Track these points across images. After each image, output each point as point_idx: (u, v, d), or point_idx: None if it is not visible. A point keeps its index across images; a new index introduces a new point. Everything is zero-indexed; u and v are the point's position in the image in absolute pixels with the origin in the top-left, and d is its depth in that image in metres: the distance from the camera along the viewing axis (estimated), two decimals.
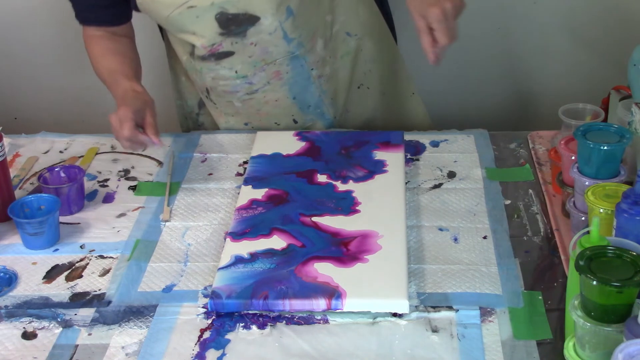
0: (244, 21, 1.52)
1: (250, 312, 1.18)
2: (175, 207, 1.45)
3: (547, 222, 1.37)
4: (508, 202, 1.43)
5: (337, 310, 1.17)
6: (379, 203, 1.38)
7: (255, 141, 1.61)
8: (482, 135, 1.63)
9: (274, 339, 1.14)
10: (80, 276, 1.29)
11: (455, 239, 1.33)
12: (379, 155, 1.53)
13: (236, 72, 1.59)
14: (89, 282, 1.27)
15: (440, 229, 1.36)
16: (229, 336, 1.15)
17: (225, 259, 1.26)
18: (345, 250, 1.27)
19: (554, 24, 2.18)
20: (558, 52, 2.22)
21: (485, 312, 1.17)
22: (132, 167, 1.58)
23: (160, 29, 1.71)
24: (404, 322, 1.16)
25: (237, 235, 1.32)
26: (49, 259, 1.33)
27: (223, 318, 1.18)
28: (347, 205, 1.38)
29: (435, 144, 1.61)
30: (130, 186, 1.52)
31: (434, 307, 1.18)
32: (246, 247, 1.29)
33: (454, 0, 1.32)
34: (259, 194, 1.43)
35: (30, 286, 1.27)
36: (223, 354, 1.12)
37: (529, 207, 1.41)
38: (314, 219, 1.35)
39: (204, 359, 1.11)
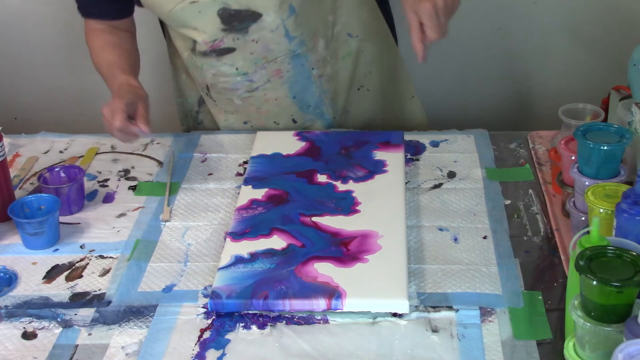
0: (246, 17, 1.52)
1: (250, 312, 1.18)
2: (175, 207, 1.45)
3: (547, 222, 1.37)
4: (508, 202, 1.43)
5: (337, 310, 1.17)
6: (379, 203, 1.38)
7: (255, 141, 1.61)
8: (482, 135, 1.63)
9: (274, 339, 1.14)
10: (80, 276, 1.29)
11: (455, 239, 1.33)
12: (379, 155, 1.53)
13: (237, 69, 1.59)
14: (89, 282, 1.27)
15: (440, 229, 1.36)
16: (229, 336, 1.15)
17: (225, 259, 1.26)
18: (345, 250, 1.27)
19: (554, 24, 2.18)
20: (558, 52, 2.22)
21: (485, 312, 1.17)
22: (132, 167, 1.58)
23: (162, 26, 1.72)
24: (404, 322, 1.16)
25: (237, 235, 1.32)
26: (49, 259, 1.33)
27: (223, 318, 1.18)
28: (347, 205, 1.38)
29: (435, 144, 1.61)
30: (130, 186, 1.52)
31: (434, 307, 1.18)
32: (246, 247, 1.29)
33: None
34: (259, 194, 1.43)
35: (30, 286, 1.27)
36: (223, 354, 1.12)
37: (529, 207, 1.41)
38: (314, 219, 1.35)
39: (204, 359, 1.11)
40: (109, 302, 1.23)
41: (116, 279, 1.27)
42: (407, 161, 1.55)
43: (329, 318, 1.17)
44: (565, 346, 1.00)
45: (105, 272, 1.29)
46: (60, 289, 1.26)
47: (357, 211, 1.37)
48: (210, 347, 1.13)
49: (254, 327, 1.16)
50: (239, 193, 1.45)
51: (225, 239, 1.33)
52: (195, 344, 1.14)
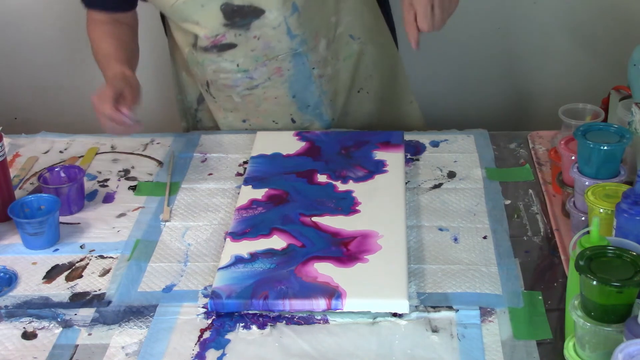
0: (249, 13, 1.52)
1: (250, 312, 1.18)
2: (175, 207, 1.45)
3: (547, 222, 1.37)
4: (508, 202, 1.43)
5: (337, 310, 1.17)
6: (379, 203, 1.38)
7: (255, 141, 1.61)
8: (482, 135, 1.63)
9: (274, 339, 1.14)
10: (80, 276, 1.29)
11: (455, 239, 1.33)
12: (379, 155, 1.53)
13: (238, 65, 1.59)
14: (89, 282, 1.27)
15: (440, 229, 1.36)
16: (229, 336, 1.15)
17: (225, 259, 1.26)
18: (345, 250, 1.27)
19: (554, 24, 2.18)
20: (558, 52, 2.22)
21: (485, 312, 1.17)
22: (132, 167, 1.58)
23: (163, 22, 1.72)
24: (404, 322, 1.16)
25: (237, 235, 1.32)
26: (49, 259, 1.33)
27: (223, 318, 1.18)
28: (347, 205, 1.38)
29: (435, 144, 1.61)
30: (130, 186, 1.52)
31: (434, 307, 1.18)
32: (246, 247, 1.29)
33: None
34: (259, 194, 1.43)
35: (30, 286, 1.27)
36: (223, 354, 1.12)
37: (529, 207, 1.41)
38: (314, 219, 1.35)
39: (204, 359, 1.11)
40: (109, 302, 1.23)
41: (116, 279, 1.27)
42: (407, 161, 1.55)
43: (329, 318, 1.17)
44: (565, 346, 1.00)
45: (105, 272, 1.29)
46: (60, 289, 1.26)
47: (357, 211, 1.37)
48: (210, 347, 1.13)
49: (254, 327, 1.16)
50: (239, 193, 1.45)
51: (225, 239, 1.33)
52: (195, 344, 1.14)
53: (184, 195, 1.48)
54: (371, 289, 1.19)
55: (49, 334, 1.17)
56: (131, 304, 1.22)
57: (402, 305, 1.16)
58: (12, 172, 1.54)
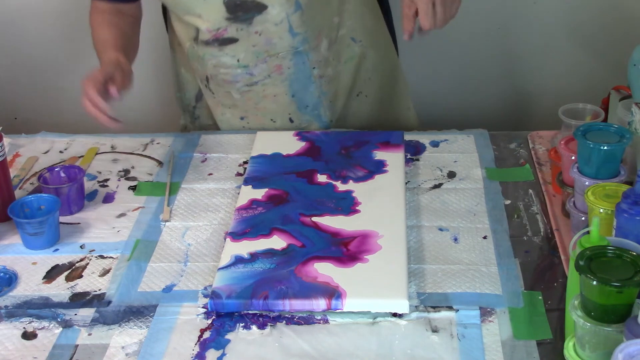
0: (252, 8, 1.52)
1: (250, 312, 1.18)
2: (175, 207, 1.45)
3: (547, 222, 1.37)
4: (508, 202, 1.43)
5: (337, 310, 1.17)
6: (379, 203, 1.38)
7: (255, 141, 1.61)
8: (482, 135, 1.63)
9: (274, 339, 1.14)
10: (80, 276, 1.29)
11: (455, 239, 1.33)
12: (379, 155, 1.53)
13: (238, 60, 1.59)
14: (89, 282, 1.27)
15: (440, 229, 1.36)
16: (229, 336, 1.15)
17: (225, 259, 1.26)
18: (345, 250, 1.27)
19: (554, 24, 2.19)
20: (558, 52, 2.22)
21: (485, 312, 1.17)
22: (132, 167, 1.58)
23: (165, 18, 1.71)
24: (404, 322, 1.16)
25: (237, 235, 1.32)
26: (49, 259, 1.33)
27: (223, 318, 1.18)
28: (347, 205, 1.38)
29: (435, 144, 1.61)
30: (130, 186, 1.52)
31: (434, 307, 1.18)
32: (246, 247, 1.29)
33: None
34: (259, 194, 1.43)
35: (30, 286, 1.27)
36: (223, 354, 1.12)
37: (529, 207, 1.41)
38: (314, 219, 1.35)
39: (204, 359, 1.11)
40: (109, 302, 1.23)
41: (116, 279, 1.27)
42: (407, 161, 1.55)
43: (329, 318, 1.17)
44: (565, 346, 1.00)
45: (105, 272, 1.29)
46: (60, 289, 1.26)
47: (357, 211, 1.37)
48: (210, 347, 1.13)
49: (254, 327, 1.16)
50: (239, 193, 1.45)
51: (225, 239, 1.33)
52: (195, 344, 1.14)
53: (184, 195, 1.48)
54: (371, 289, 1.19)
55: (49, 334, 1.17)
56: (131, 304, 1.22)
57: (402, 305, 1.16)
58: (12, 172, 1.54)
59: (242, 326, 1.16)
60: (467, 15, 2.16)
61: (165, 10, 1.70)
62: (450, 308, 1.18)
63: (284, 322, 1.17)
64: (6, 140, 1.59)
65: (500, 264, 1.27)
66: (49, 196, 1.38)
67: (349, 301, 1.16)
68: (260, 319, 1.17)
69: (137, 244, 1.35)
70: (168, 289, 1.25)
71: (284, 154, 1.55)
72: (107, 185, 1.53)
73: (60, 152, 1.65)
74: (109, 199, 1.49)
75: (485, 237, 1.33)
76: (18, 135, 1.70)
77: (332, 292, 1.17)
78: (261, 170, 1.50)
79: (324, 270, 1.22)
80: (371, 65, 1.71)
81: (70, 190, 1.42)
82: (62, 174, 1.47)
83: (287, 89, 1.63)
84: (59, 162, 1.60)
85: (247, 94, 1.65)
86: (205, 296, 1.22)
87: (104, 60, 1.53)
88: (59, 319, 1.20)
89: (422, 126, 1.82)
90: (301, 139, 1.60)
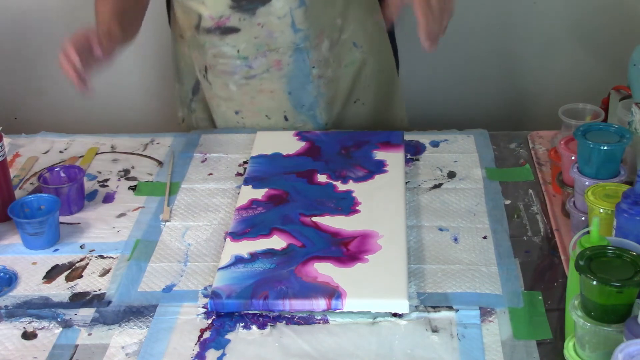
0: None
1: (250, 312, 1.18)
2: (175, 207, 1.45)
3: (547, 222, 1.37)
4: (508, 202, 1.43)
5: (337, 310, 1.17)
6: (379, 203, 1.38)
7: (255, 141, 1.61)
8: (482, 135, 1.63)
9: (274, 339, 1.14)
10: (80, 276, 1.29)
11: (455, 239, 1.33)
12: (379, 155, 1.53)
13: (238, 51, 1.59)
14: (89, 282, 1.27)
15: (440, 229, 1.36)
16: (229, 336, 1.15)
17: (225, 259, 1.26)
18: (345, 250, 1.27)
19: (554, 24, 2.19)
20: (558, 52, 2.22)
21: (485, 312, 1.17)
22: (132, 167, 1.58)
23: (168, 10, 1.71)
24: (404, 322, 1.16)
25: (237, 235, 1.32)
26: (49, 259, 1.33)
27: (223, 318, 1.18)
28: (347, 205, 1.38)
29: (435, 144, 1.61)
30: (130, 186, 1.52)
31: (434, 307, 1.18)
32: (246, 247, 1.29)
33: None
34: (259, 194, 1.43)
35: (30, 286, 1.27)
36: (223, 354, 1.12)
37: (529, 207, 1.41)
38: (314, 219, 1.35)
39: (204, 359, 1.11)
40: (109, 302, 1.23)
41: (116, 279, 1.27)
42: (407, 161, 1.55)
43: (329, 318, 1.17)
44: (565, 346, 1.00)
45: (105, 272, 1.29)
46: (60, 289, 1.26)
47: (357, 211, 1.37)
48: (210, 347, 1.13)
49: (254, 327, 1.16)
50: (239, 193, 1.45)
51: (225, 239, 1.33)
52: (195, 344, 1.14)
53: (184, 195, 1.48)
54: (371, 289, 1.19)
55: (49, 334, 1.17)
56: (131, 304, 1.22)
57: (402, 305, 1.16)
58: (12, 172, 1.54)
59: (242, 326, 1.16)
60: (467, 15, 2.16)
61: (168, 1, 1.69)
62: (450, 308, 1.18)
63: (284, 322, 1.17)
64: (6, 140, 1.59)
65: (500, 264, 1.27)
66: (49, 196, 1.38)
67: (349, 301, 1.16)
68: (260, 319, 1.17)
69: (137, 244, 1.35)
70: (168, 289, 1.25)
71: (284, 154, 1.55)
72: (107, 185, 1.53)
73: (60, 152, 1.65)
74: (109, 199, 1.49)
75: (485, 237, 1.33)
76: (18, 135, 1.70)
77: (332, 292, 1.17)
78: (261, 170, 1.50)
79: (324, 270, 1.22)
80: (370, 72, 1.71)
81: (70, 190, 1.42)
82: (62, 174, 1.47)
83: (285, 85, 1.63)
84: (59, 162, 1.60)
85: (244, 87, 1.64)
86: (205, 296, 1.22)
87: (97, 25, 1.50)
88: (59, 319, 1.20)
89: (422, 126, 1.82)
90: (301, 139, 1.60)
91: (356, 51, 1.67)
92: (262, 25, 1.55)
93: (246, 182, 1.47)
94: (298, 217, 1.35)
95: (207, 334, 1.15)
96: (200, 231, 1.38)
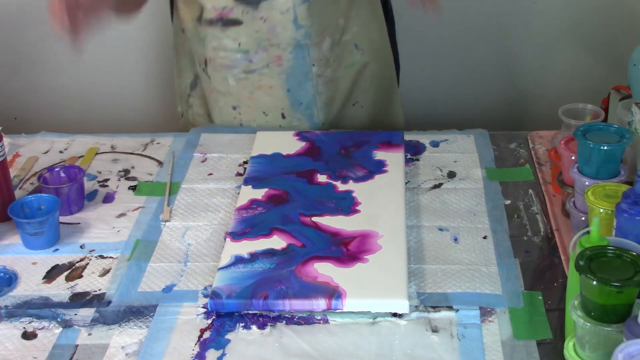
0: None
1: (250, 312, 1.18)
2: (175, 207, 1.45)
3: (547, 222, 1.37)
4: (508, 202, 1.43)
5: (337, 310, 1.17)
6: (379, 203, 1.38)
7: (255, 141, 1.61)
8: (482, 135, 1.63)
9: (274, 339, 1.14)
10: (80, 276, 1.29)
11: (455, 239, 1.33)
12: (379, 155, 1.53)
13: (239, 44, 1.59)
14: (89, 282, 1.27)
15: (440, 229, 1.36)
16: (229, 336, 1.15)
17: (225, 259, 1.26)
18: (345, 250, 1.27)
19: (554, 24, 2.19)
20: (558, 52, 2.22)
21: (485, 312, 1.17)
22: (132, 167, 1.58)
23: (172, 7, 1.71)
24: (404, 322, 1.16)
25: (237, 235, 1.32)
26: (49, 259, 1.33)
27: (223, 318, 1.18)
28: (347, 205, 1.38)
29: (435, 144, 1.61)
30: (130, 186, 1.52)
31: (434, 307, 1.18)
32: (246, 247, 1.29)
33: None
34: (259, 194, 1.43)
35: (30, 286, 1.27)
36: (223, 354, 1.12)
37: (529, 207, 1.41)
38: (314, 219, 1.35)
39: (204, 359, 1.11)
40: (109, 302, 1.23)
41: (116, 279, 1.27)
42: (407, 161, 1.55)
43: (329, 318, 1.17)
44: (565, 346, 1.00)
45: (105, 272, 1.29)
46: (60, 289, 1.26)
47: (357, 211, 1.37)
48: (210, 347, 1.13)
49: (254, 327, 1.16)
50: (239, 193, 1.45)
51: (225, 239, 1.33)
52: (195, 344, 1.14)
53: (184, 195, 1.48)
54: (371, 289, 1.19)
55: (49, 334, 1.17)
56: (131, 304, 1.22)
57: (402, 305, 1.16)
58: (12, 172, 1.54)
59: (242, 326, 1.16)
60: (467, 15, 2.16)
61: None
62: (450, 308, 1.18)
63: (284, 322, 1.17)
64: (6, 140, 1.59)
65: (500, 264, 1.27)
66: (49, 196, 1.38)
67: (349, 301, 1.16)
68: (260, 319, 1.17)
69: (137, 244, 1.35)
70: (168, 289, 1.25)
71: (284, 154, 1.55)
72: (107, 185, 1.53)
73: (60, 152, 1.65)
74: (109, 199, 1.49)
75: (485, 237, 1.33)
76: (18, 135, 1.70)
77: (332, 292, 1.17)
78: (261, 170, 1.50)
79: (324, 270, 1.22)
80: (370, 76, 1.71)
81: (70, 190, 1.42)
82: (62, 174, 1.47)
83: (284, 82, 1.63)
84: (59, 162, 1.60)
85: (243, 82, 1.64)
86: (205, 296, 1.22)
87: None
88: (59, 319, 1.20)
89: (422, 126, 1.82)
90: (301, 139, 1.60)
91: (357, 53, 1.67)
92: (265, 20, 1.56)
93: (246, 182, 1.47)
94: (298, 217, 1.35)
95: (207, 334, 1.15)
96: (200, 231, 1.38)
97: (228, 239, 1.31)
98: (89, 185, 1.52)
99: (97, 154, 1.63)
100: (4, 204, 1.38)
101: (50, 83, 2.32)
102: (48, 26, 2.24)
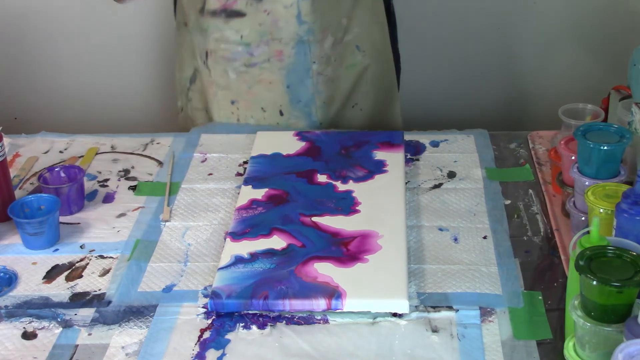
0: None
1: (250, 312, 1.18)
2: (175, 207, 1.45)
3: (547, 222, 1.37)
4: (508, 202, 1.43)
5: (337, 310, 1.17)
6: (379, 203, 1.38)
7: (255, 141, 1.61)
8: (482, 135, 1.63)
9: (274, 339, 1.14)
10: (80, 276, 1.29)
11: (455, 239, 1.33)
12: (379, 155, 1.53)
13: (241, 37, 1.59)
14: (89, 282, 1.27)
15: (440, 229, 1.36)
16: (229, 336, 1.15)
17: (225, 259, 1.26)
18: (345, 250, 1.27)
19: (554, 24, 2.19)
20: (558, 52, 2.22)
21: (485, 312, 1.17)
22: (132, 167, 1.58)
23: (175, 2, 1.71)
24: (404, 322, 1.16)
25: (237, 235, 1.32)
26: (49, 259, 1.33)
27: (223, 318, 1.18)
28: (347, 205, 1.38)
29: (435, 144, 1.61)
30: (130, 186, 1.52)
31: (434, 307, 1.18)
32: (246, 247, 1.29)
33: None
34: (259, 194, 1.43)
35: (30, 286, 1.27)
36: (223, 354, 1.12)
37: (529, 207, 1.41)
38: (314, 219, 1.35)
39: (204, 359, 1.11)
40: (109, 302, 1.23)
41: (116, 279, 1.27)
42: (407, 161, 1.55)
43: (329, 318, 1.17)
44: (565, 346, 1.00)
45: (105, 272, 1.29)
46: (60, 289, 1.26)
47: (357, 211, 1.37)
48: (210, 347, 1.13)
49: (254, 327, 1.16)
50: (239, 193, 1.45)
51: (225, 239, 1.33)
52: (195, 344, 1.14)
53: (184, 195, 1.48)
54: (371, 289, 1.19)
55: (49, 334, 1.17)
56: (131, 304, 1.22)
57: (402, 305, 1.16)
58: (12, 172, 1.54)
59: (242, 326, 1.16)
60: (467, 15, 2.16)
61: None
62: (450, 308, 1.18)
63: (284, 322, 1.17)
64: (6, 140, 1.59)
65: (500, 264, 1.27)
66: (49, 196, 1.38)
67: (349, 301, 1.16)
68: (260, 319, 1.17)
69: (137, 244, 1.35)
70: (168, 289, 1.25)
71: (284, 154, 1.55)
72: (107, 185, 1.53)
73: (60, 152, 1.65)
74: (109, 199, 1.49)
75: (485, 237, 1.33)
76: (18, 135, 1.70)
77: (332, 292, 1.17)
78: (261, 170, 1.50)
79: (324, 270, 1.22)
80: (371, 78, 1.71)
81: (70, 190, 1.42)
82: (62, 174, 1.47)
83: (284, 77, 1.63)
84: (59, 162, 1.60)
85: (243, 75, 1.64)
86: (205, 296, 1.22)
87: None
88: (59, 319, 1.20)
89: (422, 126, 1.82)
90: (301, 139, 1.60)
91: (358, 54, 1.67)
92: (268, 13, 1.56)
93: (246, 182, 1.47)
94: (298, 217, 1.35)
95: (207, 334, 1.15)
96: (200, 231, 1.38)
97: (228, 239, 1.31)
98: (89, 185, 1.52)
99: (97, 154, 1.63)
100: (4, 204, 1.38)
101: (50, 83, 2.32)
102: (48, 27, 2.25)
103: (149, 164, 1.59)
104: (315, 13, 1.57)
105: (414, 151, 1.58)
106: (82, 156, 1.62)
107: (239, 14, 1.57)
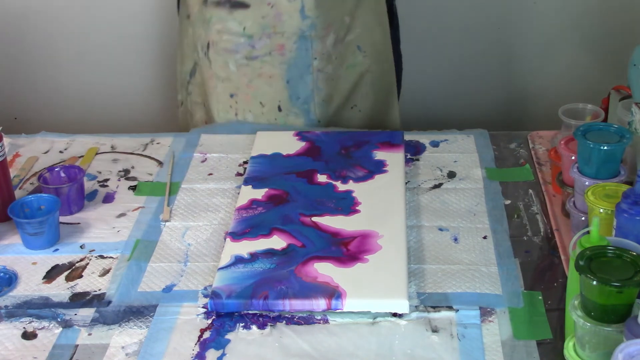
0: None
1: (250, 312, 1.18)
2: (175, 207, 1.45)
3: (547, 222, 1.37)
4: (508, 202, 1.43)
5: (337, 310, 1.17)
6: (379, 203, 1.38)
7: (255, 141, 1.61)
8: (482, 135, 1.63)
9: (274, 339, 1.14)
10: (80, 276, 1.29)
11: (455, 239, 1.33)
12: (379, 155, 1.53)
13: (244, 28, 1.59)
14: (89, 282, 1.27)
15: (440, 229, 1.36)
16: (229, 336, 1.15)
17: (225, 259, 1.26)
18: (345, 250, 1.27)
19: (554, 24, 2.18)
20: (558, 52, 2.22)
21: (485, 312, 1.17)
22: (132, 167, 1.58)
23: None
24: (404, 322, 1.16)
25: (237, 235, 1.32)
26: (49, 259, 1.33)
27: (223, 318, 1.18)
28: (347, 205, 1.38)
29: (435, 144, 1.61)
30: (130, 186, 1.52)
31: (434, 307, 1.18)
32: (246, 247, 1.29)
33: None
34: (259, 194, 1.43)
35: (30, 286, 1.27)
36: (223, 354, 1.12)
37: (529, 207, 1.41)
38: (314, 219, 1.35)
39: (204, 359, 1.11)
40: (109, 302, 1.23)
41: (116, 279, 1.27)
42: (407, 161, 1.55)
43: (329, 318, 1.17)
44: (565, 346, 1.00)
45: (105, 272, 1.29)
46: (60, 289, 1.26)
47: (357, 211, 1.37)
48: (210, 347, 1.13)
49: (254, 327, 1.16)
50: (239, 193, 1.45)
51: (225, 239, 1.33)
52: (195, 344, 1.14)
53: (184, 195, 1.48)
54: (371, 289, 1.19)
55: (49, 334, 1.17)
56: (131, 304, 1.22)
57: (402, 305, 1.16)
58: (12, 172, 1.54)
59: (242, 326, 1.16)
60: (467, 15, 2.16)
61: None
62: (450, 308, 1.18)
63: (284, 322, 1.17)
64: (6, 140, 1.59)
65: (500, 264, 1.27)
66: (49, 196, 1.38)
67: (349, 301, 1.16)
68: (260, 319, 1.17)
69: (137, 244, 1.35)
70: (168, 289, 1.25)
71: (284, 154, 1.55)
72: (107, 185, 1.53)
73: (60, 152, 1.65)
74: (109, 199, 1.49)
75: (485, 237, 1.33)
76: (18, 135, 1.70)
77: (332, 292, 1.17)
78: (261, 170, 1.50)
79: (324, 270, 1.22)
80: (371, 80, 1.71)
81: (70, 190, 1.42)
82: (62, 174, 1.47)
83: (284, 72, 1.63)
84: (59, 162, 1.60)
85: (244, 68, 1.64)
86: (205, 296, 1.22)
87: None
88: (59, 319, 1.20)
89: (422, 126, 1.82)
90: (301, 139, 1.60)
91: (359, 55, 1.67)
92: (272, 6, 1.56)
93: (246, 182, 1.47)
94: (298, 217, 1.35)
95: (207, 334, 1.15)
96: (200, 231, 1.38)
97: (228, 239, 1.31)
98: (89, 185, 1.52)
99: (97, 154, 1.63)
100: (4, 204, 1.38)
101: (50, 83, 2.32)
102: (48, 27, 2.24)
103: (149, 164, 1.59)
104: (319, 8, 1.57)
105: (414, 151, 1.58)
106: (82, 156, 1.62)
107: (243, 5, 1.57)
